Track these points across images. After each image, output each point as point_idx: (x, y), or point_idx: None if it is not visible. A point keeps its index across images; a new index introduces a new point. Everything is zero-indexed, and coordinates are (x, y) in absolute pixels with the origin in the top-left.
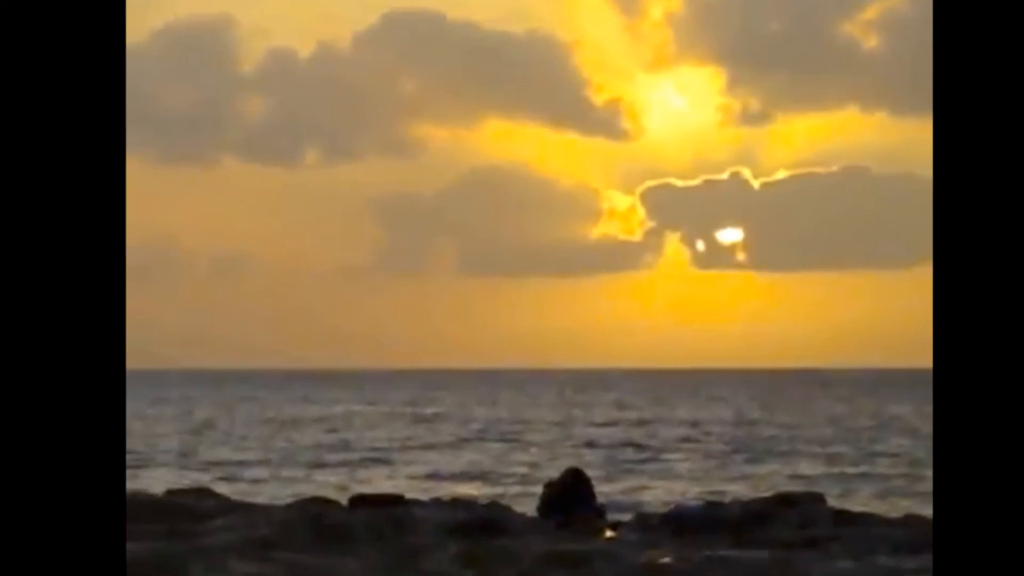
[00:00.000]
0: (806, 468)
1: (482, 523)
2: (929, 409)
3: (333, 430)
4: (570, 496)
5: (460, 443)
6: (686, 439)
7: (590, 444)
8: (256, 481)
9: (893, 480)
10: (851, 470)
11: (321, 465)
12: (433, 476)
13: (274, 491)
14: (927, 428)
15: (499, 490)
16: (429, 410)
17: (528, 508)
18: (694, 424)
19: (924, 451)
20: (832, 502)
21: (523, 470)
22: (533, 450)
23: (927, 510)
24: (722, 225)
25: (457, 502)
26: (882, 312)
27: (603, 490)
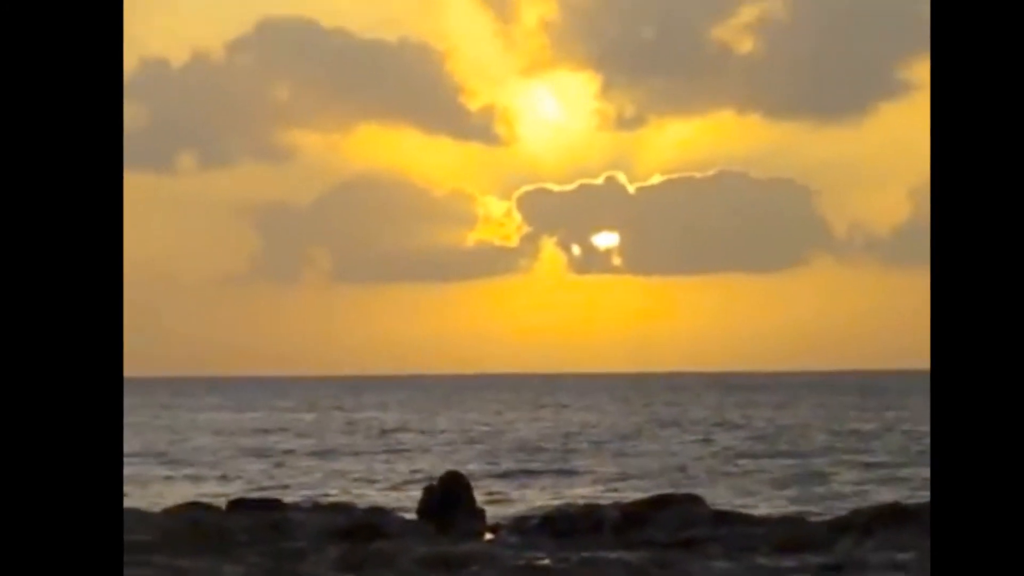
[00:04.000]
0: (684, 471)
1: (361, 527)
2: (807, 412)
3: (217, 434)
4: (449, 499)
5: (338, 448)
6: (564, 443)
7: (468, 449)
8: (133, 484)
9: (773, 481)
10: (733, 471)
11: (199, 472)
12: (313, 481)
13: (150, 496)
14: (814, 434)
15: (377, 495)
16: (307, 416)
17: (407, 512)
18: (571, 428)
19: (806, 454)
20: (711, 503)
21: (402, 475)
22: (413, 455)
23: (804, 510)
24: (598, 230)
25: (336, 506)
26: (759, 316)
27: (482, 494)
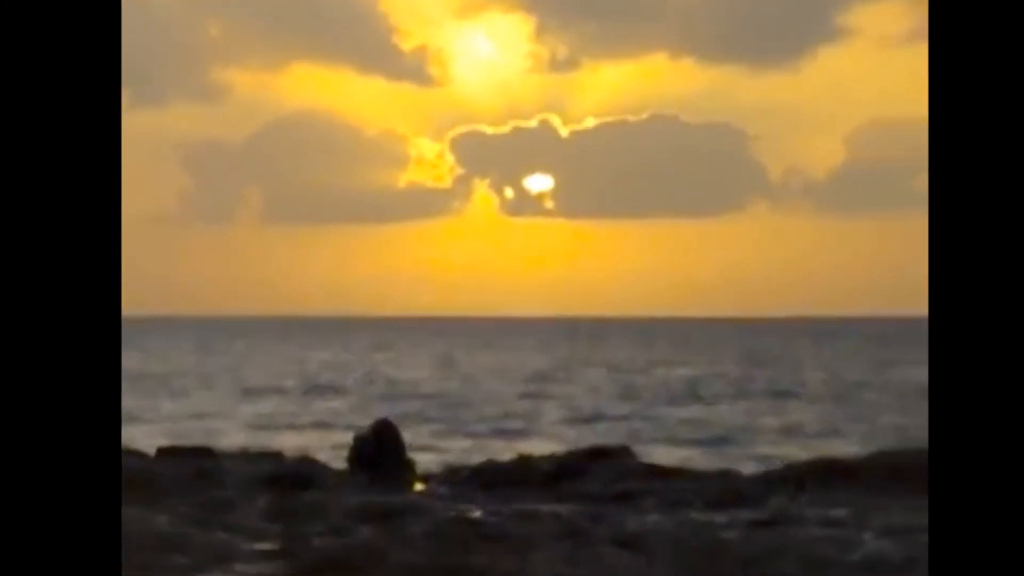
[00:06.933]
0: (615, 424)
1: (291, 476)
2: (738, 358)
3: (144, 376)
4: (380, 449)
5: (264, 391)
6: (493, 390)
7: (396, 394)
8: None
9: (704, 434)
10: (665, 422)
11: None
12: (238, 425)
13: None
14: (748, 383)
15: (305, 440)
16: (235, 357)
17: (336, 460)
18: (498, 374)
19: (743, 409)
20: (642, 455)
21: (330, 420)
22: (340, 399)
23: (739, 465)
24: (531, 172)
25: (266, 455)
26: (693, 261)
27: (411, 442)
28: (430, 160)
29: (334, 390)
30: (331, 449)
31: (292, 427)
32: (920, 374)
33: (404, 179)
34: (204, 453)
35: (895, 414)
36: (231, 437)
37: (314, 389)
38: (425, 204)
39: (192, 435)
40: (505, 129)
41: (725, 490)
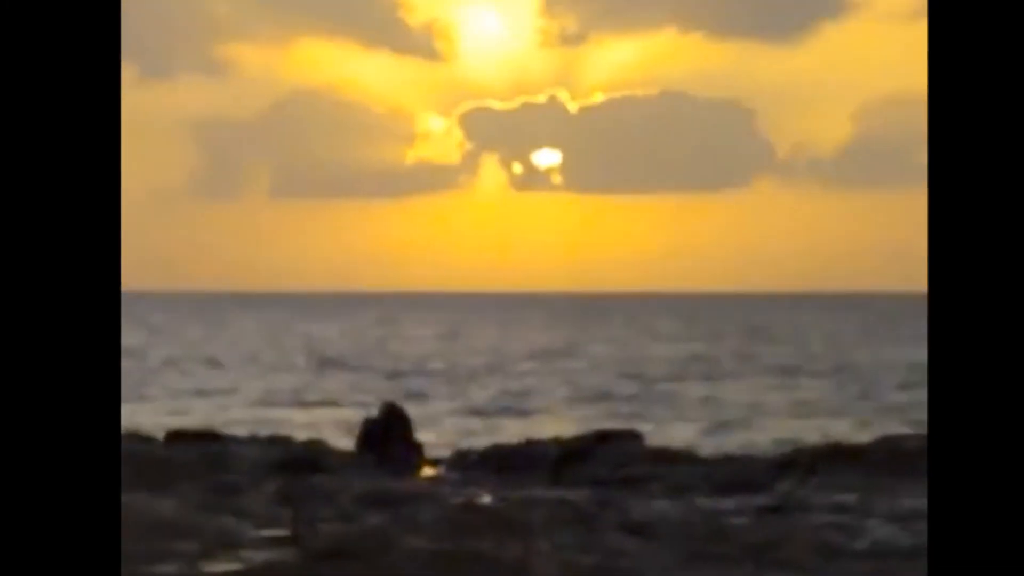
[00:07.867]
0: (620, 402)
1: (299, 460)
2: (745, 338)
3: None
4: (388, 432)
5: (275, 369)
6: (500, 367)
7: (403, 371)
8: None
9: (710, 413)
10: (671, 400)
11: (138, 393)
12: (248, 403)
13: None
14: (753, 359)
15: (313, 418)
16: (241, 333)
17: (344, 439)
18: (504, 349)
19: (749, 385)
20: (648, 435)
21: (338, 397)
22: (347, 376)
23: (745, 447)
24: (539, 147)
25: (275, 440)
26: (701, 235)
27: (418, 419)
28: (438, 136)
29: (341, 366)
30: (338, 427)
31: (300, 404)
32: (924, 351)
33: (412, 155)
34: (213, 437)
35: (899, 391)
36: (238, 414)
37: (322, 365)
38: (433, 180)
39: (199, 412)
40: (513, 104)
41: (732, 475)
